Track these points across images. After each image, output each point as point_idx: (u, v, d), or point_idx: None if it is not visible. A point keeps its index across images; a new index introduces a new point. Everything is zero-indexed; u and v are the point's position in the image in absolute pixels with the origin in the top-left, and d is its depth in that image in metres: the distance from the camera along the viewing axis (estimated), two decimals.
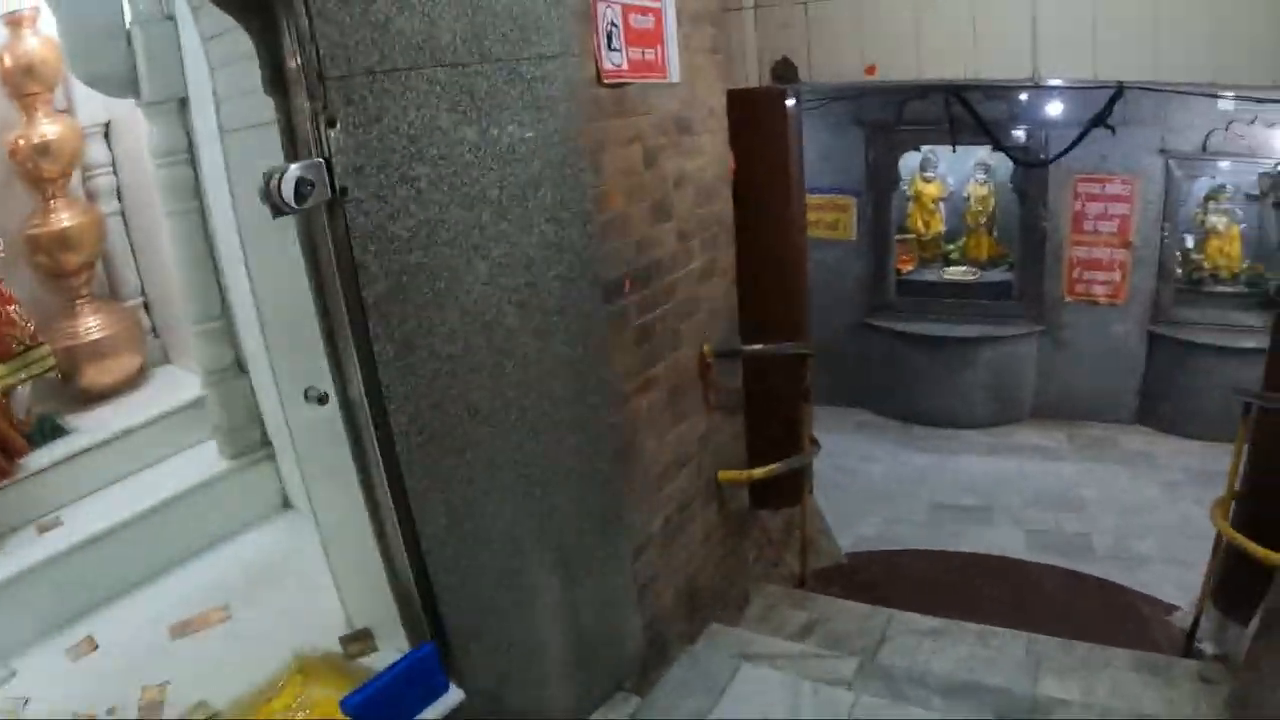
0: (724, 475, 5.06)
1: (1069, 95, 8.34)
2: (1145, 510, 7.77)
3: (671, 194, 4.23)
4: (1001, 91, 8.44)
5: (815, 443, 5.92)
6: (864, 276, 9.77)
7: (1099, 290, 9.17)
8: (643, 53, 3.84)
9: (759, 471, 5.24)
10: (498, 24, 2.78)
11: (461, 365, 2.75)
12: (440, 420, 2.71)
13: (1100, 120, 5.40)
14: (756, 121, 5.47)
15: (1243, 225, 9.37)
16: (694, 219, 4.51)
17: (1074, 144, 5.87)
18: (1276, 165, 8.27)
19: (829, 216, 9.57)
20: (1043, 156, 8.69)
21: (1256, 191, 9.46)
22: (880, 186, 9.49)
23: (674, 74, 4.15)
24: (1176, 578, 6.52)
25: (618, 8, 3.61)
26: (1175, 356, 9.08)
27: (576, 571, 3.36)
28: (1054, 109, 8.51)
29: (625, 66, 3.71)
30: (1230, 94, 7.65)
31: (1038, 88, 7.33)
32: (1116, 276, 9.08)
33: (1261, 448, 4.94)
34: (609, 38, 3.57)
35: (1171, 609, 5.96)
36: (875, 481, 8.60)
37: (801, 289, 6.12)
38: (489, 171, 2.77)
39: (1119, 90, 5.16)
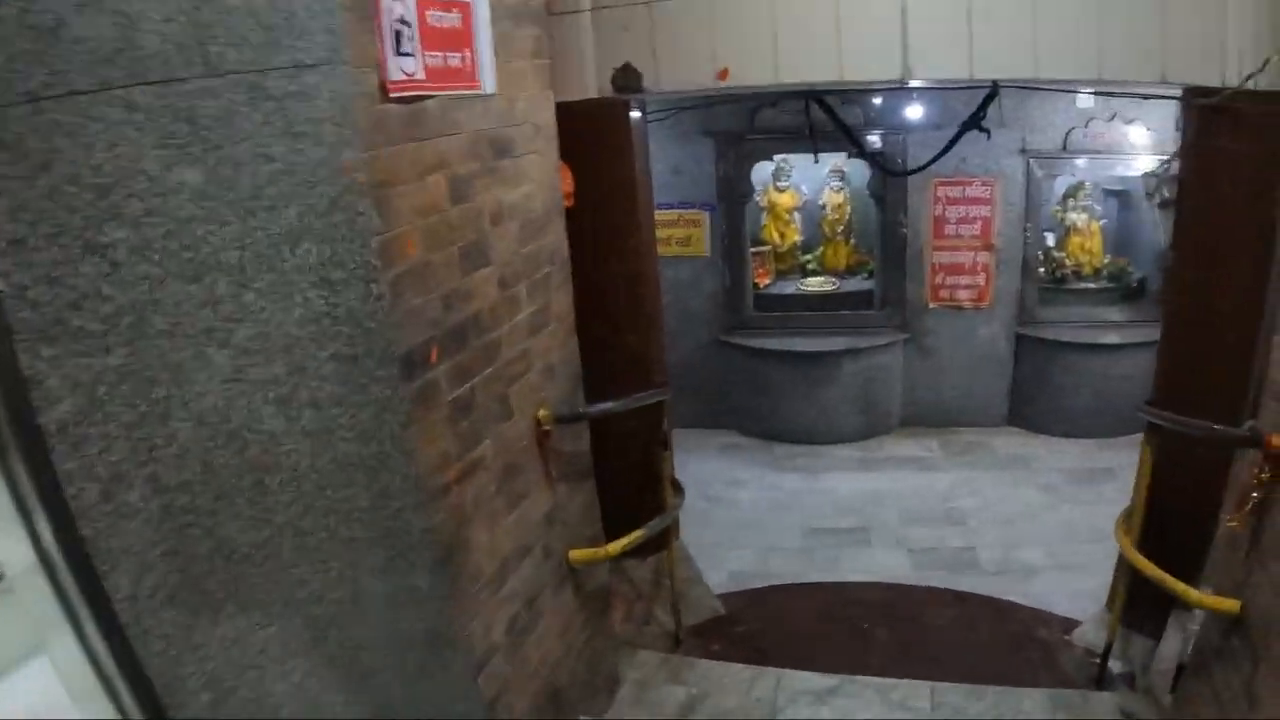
0: (576, 556, 4.37)
1: (929, 97, 8.04)
2: (1027, 517, 7.66)
3: (489, 233, 3.57)
4: (856, 95, 8.09)
5: (679, 489, 5.35)
6: (720, 293, 9.26)
7: (963, 295, 8.89)
8: (445, 58, 3.11)
9: (617, 547, 4.57)
10: (232, 24, 1.99)
11: (203, 494, 1.95)
12: (182, 571, 1.91)
13: (974, 123, 4.97)
14: (597, 138, 4.89)
15: (1103, 221, 9.27)
16: (519, 260, 3.86)
17: (947, 148, 5.49)
18: (1164, 165, 8.07)
19: (681, 233, 9.05)
20: (901, 162, 8.40)
21: (1117, 187, 9.45)
22: (733, 199, 8.99)
23: (488, 84, 3.45)
24: (1068, 586, 6.42)
25: (410, 1, 2.86)
26: (1043, 356, 8.95)
27: (402, 715, 2.62)
28: (913, 112, 8.19)
29: (421, 75, 2.95)
30: (1091, 90, 7.44)
31: (904, 89, 6.95)
32: (980, 280, 8.80)
33: (1158, 463, 4.66)
34: (397, 39, 2.79)
35: (1070, 625, 5.73)
36: (744, 509, 8.15)
37: (656, 323, 5.54)
38: (224, 227, 1.97)
39: (994, 90, 4.72)
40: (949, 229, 8.81)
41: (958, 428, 9.39)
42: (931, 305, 9.03)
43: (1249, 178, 4.20)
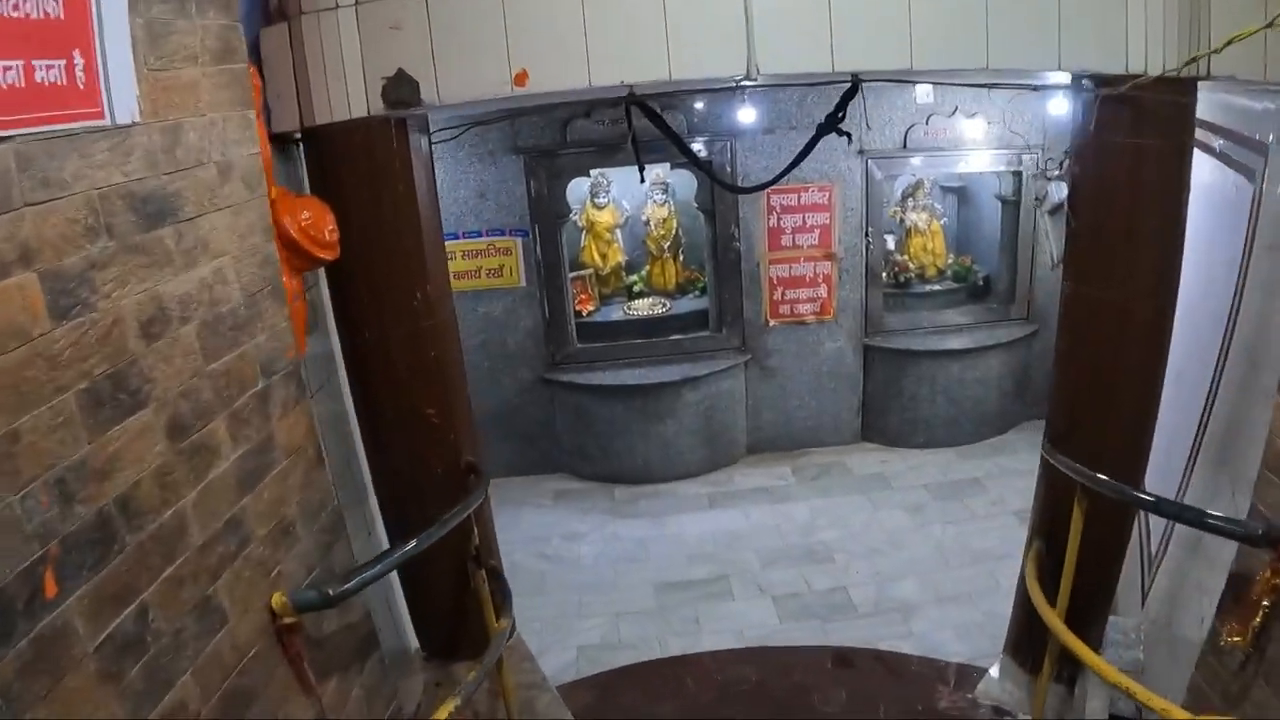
0: None
1: (758, 97, 7.26)
2: (896, 545, 7.15)
3: (139, 355, 2.32)
4: (676, 100, 7.27)
5: (504, 596, 4.39)
6: (539, 326, 8.31)
7: (805, 309, 8.23)
8: (29, 69, 1.90)
9: None
10: None
11: None
12: None
13: (832, 125, 4.17)
14: (365, 170, 3.85)
15: (943, 220, 8.70)
16: (207, 384, 2.59)
17: (801, 156, 4.60)
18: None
19: (491, 263, 8.05)
20: (729, 171, 7.69)
21: (955, 184, 9.11)
22: (548, 221, 8.02)
23: (122, 108, 2.24)
24: (953, 621, 6.06)
25: None
26: (893, 367, 8.45)
27: None
28: (744, 115, 7.35)
29: None
30: (930, 83, 6.83)
31: (734, 89, 6.10)
32: (822, 292, 8.14)
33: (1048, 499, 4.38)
34: None
35: (968, 674, 5.30)
36: (586, 566, 7.26)
37: (459, 389, 4.55)
38: None
39: (854, 85, 3.92)
40: (785, 239, 8.11)
41: (810, 449, 8.76)
42: (772, 322, 8.31)
43: (1154, 176, 3.55)
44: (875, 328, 8.43)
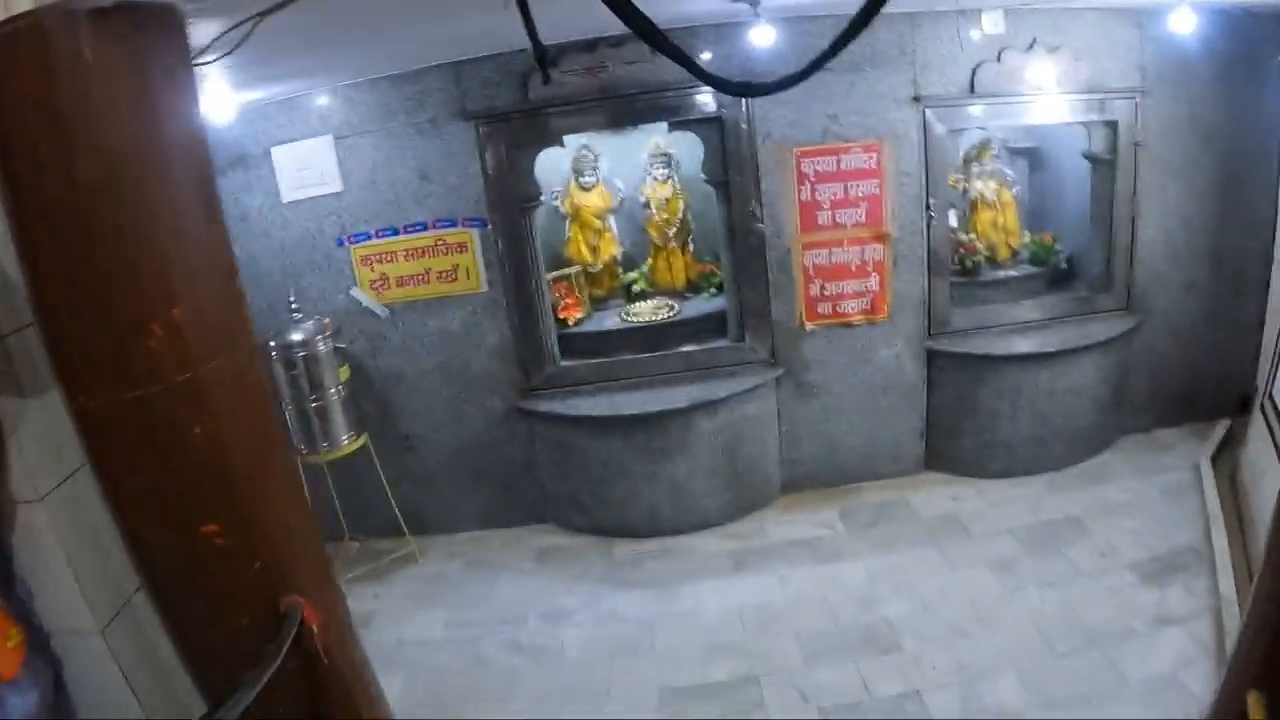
0: None
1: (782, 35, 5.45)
2: (982, 622, 5.36)
3: None
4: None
5: None
6: (507, 341, 6.50)
7: (851, 307, 6.41)
8: None
9: None
10: None
11: None
12: None
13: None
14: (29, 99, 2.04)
15: (1015, 188, 6.91)
16: None
17: (830, 53, 2.59)
18: None
19: (442, 263, 6.26)
20: (746, 127, 5.75)
21: (1024, 144, 7.34)
22: (510, 206, 6.21)
23: None
24: None
25: None
26: (963, 376, 6.65)
27: None
28: (761, 42, 5.51)
29: None
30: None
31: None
32: (873, 284, 6.29)
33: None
34: None
35: None
36: (571, 660, 5.52)
37: (268, 495, 2.61)
38: None
39: None
40: (822, 216, 6.26)
41: (862, 484, 6.94)
42: (809, 326, 6.47)
43: None
44: (940, 327, 6.61)
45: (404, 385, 6.55)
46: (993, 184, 6.90)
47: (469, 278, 6.27)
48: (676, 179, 7.31)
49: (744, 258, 6.34)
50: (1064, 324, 6.63)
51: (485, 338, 6.40)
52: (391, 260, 6.21)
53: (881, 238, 6.24)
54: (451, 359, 6.40)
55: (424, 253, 6.21)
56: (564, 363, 6.62)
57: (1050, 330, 6.61)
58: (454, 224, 6.18)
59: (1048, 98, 6.10)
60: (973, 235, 6.94)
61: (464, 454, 6.59)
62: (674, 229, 7.30)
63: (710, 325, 6.94)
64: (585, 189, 7.22)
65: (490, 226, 6.18)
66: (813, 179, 6.17)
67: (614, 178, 7.39)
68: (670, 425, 6.24)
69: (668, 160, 7.25)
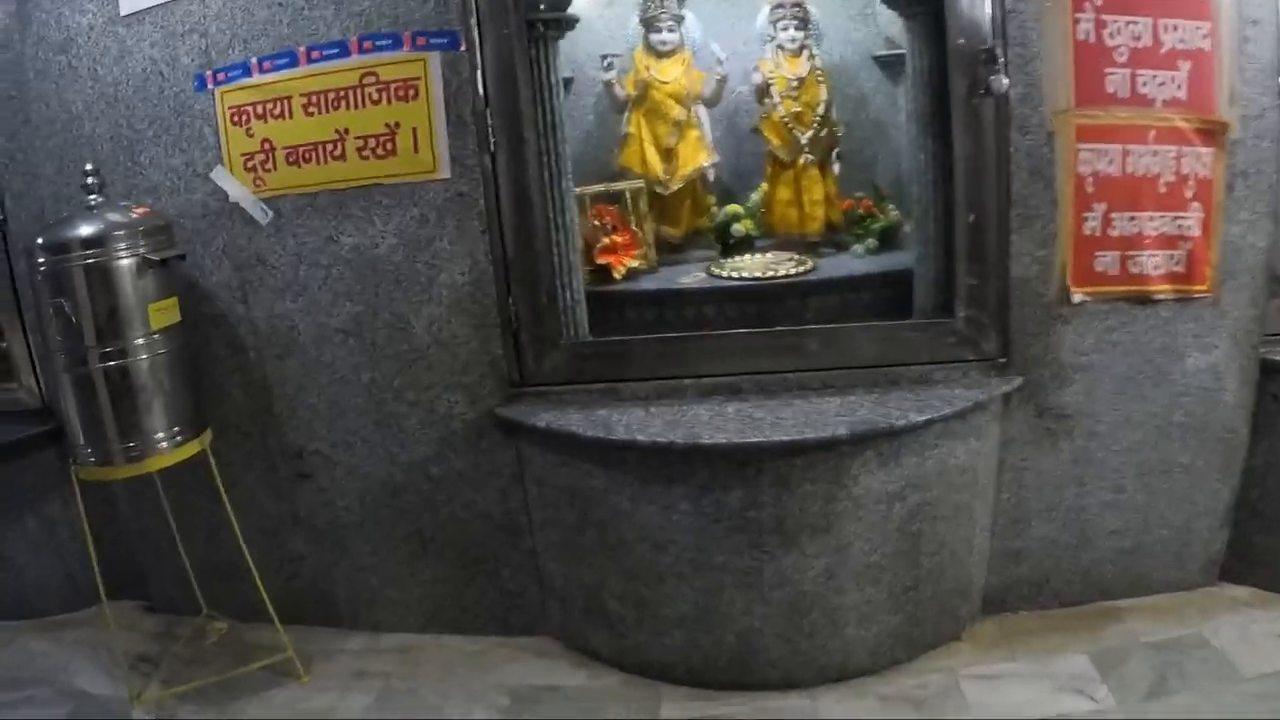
0: None
1: None
2: None
3: None
4: None
5: None
6: (485, 285, 3.41)
7: (1153, 264, 3.23)
8: None
9: None
10: None
11: None
12: None
13: None
14: None
15: None
16: None
17: None
18: None
19: (370, 121, 3.30)
20: None
21: None
22: (513, 13, 3.22)
23: None
24: None
25: None
26: None
27: None
28: None
29: None
30: None
31: None
32: (1192, 222, 3.09)
33: None
34: None
35: None
36: None
37: None
38: None
39: None
40: (1115, 80, 3.14)
41: (1119, 603, 3.70)
42: (1078, 295, 3.29)
43: None
44: None
45: (295, 355, 3.62)
46: None
47: (418, 150, 3.23)
48: (815, 49, 4.33)
49: (967, 155, 3.19)
50: None
51: (442, 271, 3.35)
52: (283, 114, 3.32)
53: (1211, 132, 3.08)
54: (378, 310, 3.41)
55: (339, 100, 3.27)
56: (589, 343, 3.51)
57: None
58: (398, 44, 3.19)
59: None
60: None
61: (398, 494, 3.62)
62: (809, 134, 4.20)
63: (875, 297, 3.90)
64: (660, 54, 4.23)
65: (465, 51, 3.15)
66: (1100, 29, 3.01)
67: (710, 42, 4.43)
68: (802, 475, 3.10)
69: (802, 18, 4.29)
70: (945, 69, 3.22)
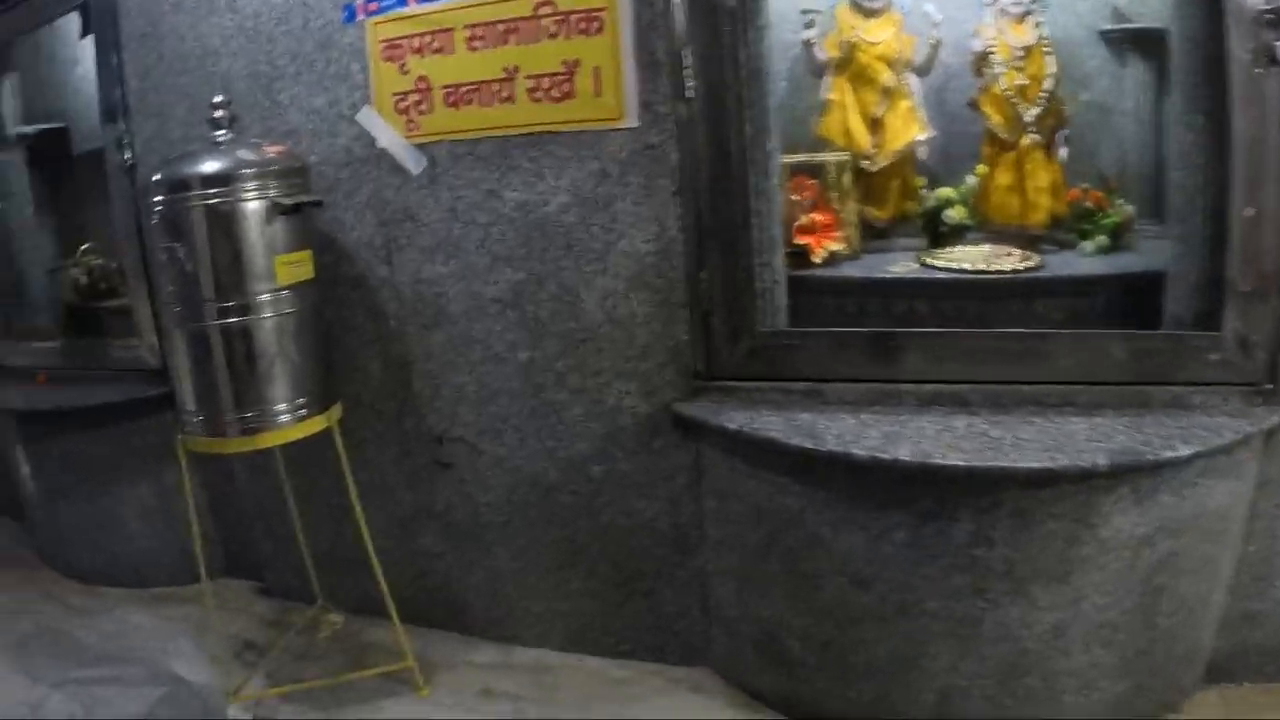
0: None
1: None
2: None
3: None
4: None
5: None
6: (673, 256, 2.85)
7: None
8: None
9: None
10: None
11: None
12: None
13: None
14: None
15: None
16: None
17: None
18: None
19: (545, 57, 2.79)
20: None
21: None
22: None
23: None
24: None
25: None
26: None
27: None
28: None
29: None
30: None
31: None
32: None
33: None
34: None
35: None
36: None
37: None
38: None
39: None
40: None
41: None
42: None
43: None
44: None
45: (443, 327, 3.16)
46: None
47: (601, 93, 2.73)
48: (1039, 21, 3.74)
49: (1248, 137, 2.57)
50: None
51: (622, 237, 2.85)
52: (443, 49, 2.88)
53: None
54: (543, 279, 2.92)
55: (509, 33, 2.81)
56: (792, 329, 2.94)
57: None
58: None
59: None
60: None
61: (550, 494, 3.14)
62: (1035, 111, 3.60)
63: (1104, 300, 3.32)
64: (868, 12, 3.69)
65: None
66: None
67: (923, 2, 3.84)
68: (1046, 510, 2.53)
69: None
70: (1221, 34, 2.60)
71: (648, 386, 2.90)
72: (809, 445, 2.55)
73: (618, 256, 2.82)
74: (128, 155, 3.64)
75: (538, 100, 2.79)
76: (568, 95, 2.76)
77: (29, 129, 4.75)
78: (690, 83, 2.69)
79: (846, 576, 2.68)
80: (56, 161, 4.75)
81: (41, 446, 4.18)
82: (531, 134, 2.82)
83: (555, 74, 2.76)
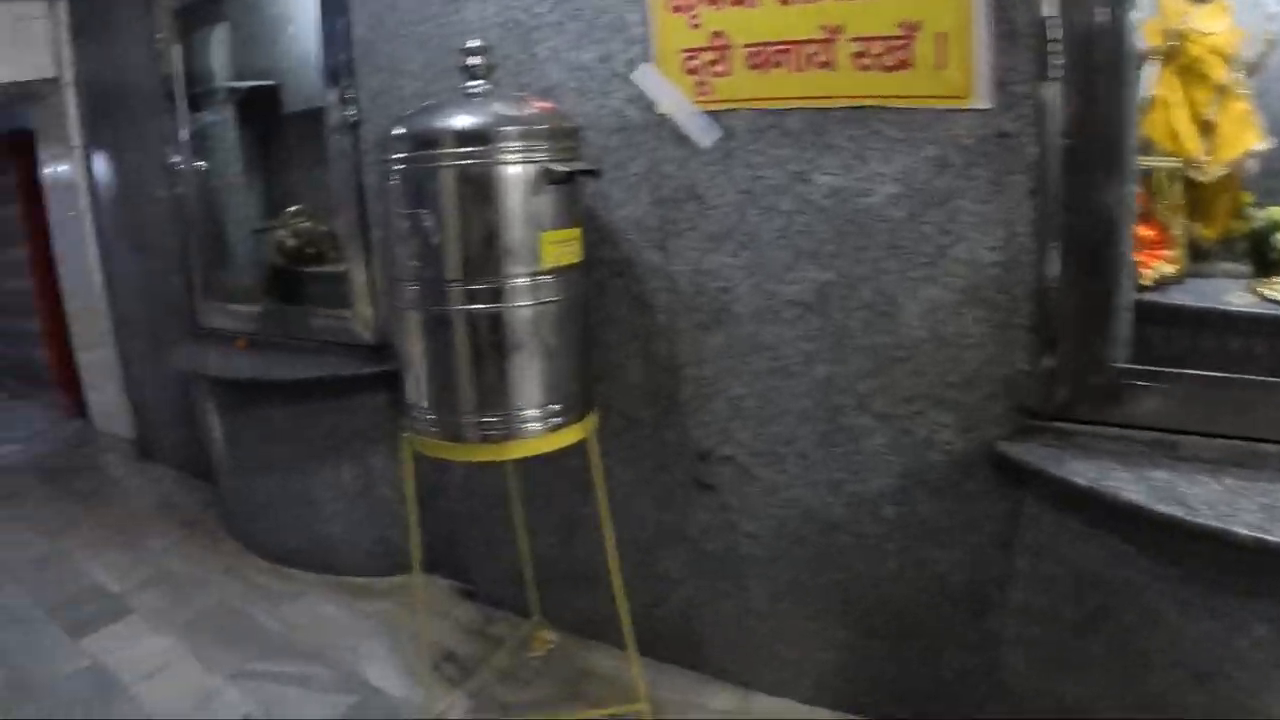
0: None
1: None
2: None
3: None
4: None
5: None
6: (1017, 270, 2.37)
7: None
8: None
9: None
10: None
11: None
12: None
13: None
14: None
15: None
16: None
17: None
18: None
19: (877, 17, 2.33)
20: None
21: None
22: None
23: None
24: None
25: None
26: None
27: None
28: None
29: None
30: None
31: None
32: None
33: None
34: None
35: None
36: None
37: None
38: None
39: None
40: None
41: None
42: None
43: None
44: None
45: (724, 328, 2.76)
46: None
47: (945, 65, 2.29)
48: None
49: None
50: None
51: (960, 240, 2.40)
52: (746, 0, 2.34)
53: None
54: (856, 283, 2.52)
55: None
56: (1143, 366, 2.44)
57: None
58: None
59: None
60: None
61: (830, 533, 2.72)
62: None
63: None
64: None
65: None
66: None
67: None
68: None
69: None
70: None
71: (969, 421, 2.44)
72: (1180, 515, 2.06)
73: (951, 263, 2.36)
74: (351, 111, 3.35)
75: (865, 68, 2.36)
76: (903, 64, 2.33)
77: (239, 84, 4.55)
78: (1057, 60, 2.22)
79: (1185, 668, 2.19)
80: (266, 120, 4.57)
81: (238, 416, 3.96)
82: (855, 108, 2.40)
83: (889, 37, 2.33)
